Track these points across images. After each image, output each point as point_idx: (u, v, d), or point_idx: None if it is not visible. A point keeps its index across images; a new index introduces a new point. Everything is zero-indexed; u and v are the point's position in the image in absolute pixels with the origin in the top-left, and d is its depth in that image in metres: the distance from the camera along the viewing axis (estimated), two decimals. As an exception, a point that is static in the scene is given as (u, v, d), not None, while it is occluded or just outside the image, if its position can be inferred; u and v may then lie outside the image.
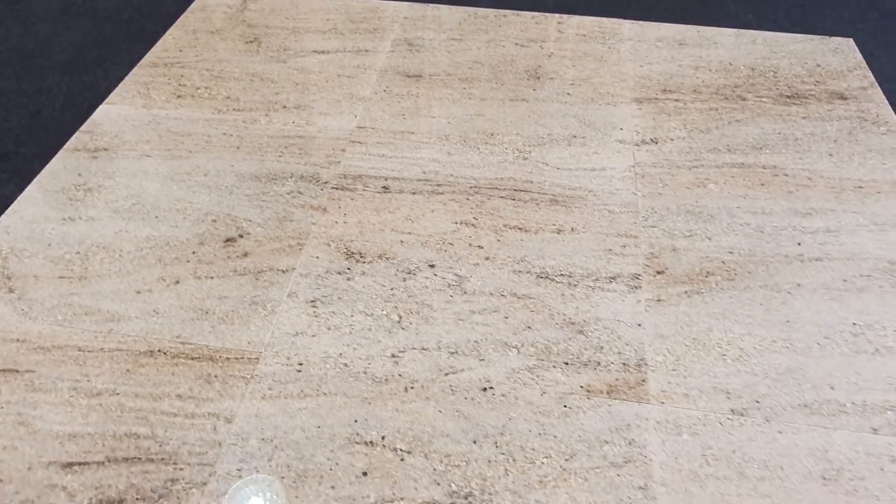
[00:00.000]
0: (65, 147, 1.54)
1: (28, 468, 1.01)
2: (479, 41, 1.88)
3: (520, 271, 1.28)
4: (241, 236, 1.35)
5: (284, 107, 1.65)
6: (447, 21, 1.96)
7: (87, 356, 1.14)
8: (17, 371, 1.12)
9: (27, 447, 1.03)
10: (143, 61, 1.80)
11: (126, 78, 1.74)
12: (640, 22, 1.95)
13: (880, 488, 0.99)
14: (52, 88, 1.74)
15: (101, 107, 1.65)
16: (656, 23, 1.95)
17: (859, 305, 1.23)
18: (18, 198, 1.42)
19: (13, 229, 1.35)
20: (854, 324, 1.20)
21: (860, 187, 1.45)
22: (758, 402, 1.09)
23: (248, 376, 1.12)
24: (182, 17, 1.97)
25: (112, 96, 1.68)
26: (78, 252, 1.31)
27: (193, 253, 1.31)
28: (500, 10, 2.01)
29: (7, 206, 1.41)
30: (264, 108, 1.65)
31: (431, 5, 2.02)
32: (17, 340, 1.16)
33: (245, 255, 1.31)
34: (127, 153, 1.52)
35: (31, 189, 1.44)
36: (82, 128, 1.59)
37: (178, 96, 1.68)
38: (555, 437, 1.05)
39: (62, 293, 1.23)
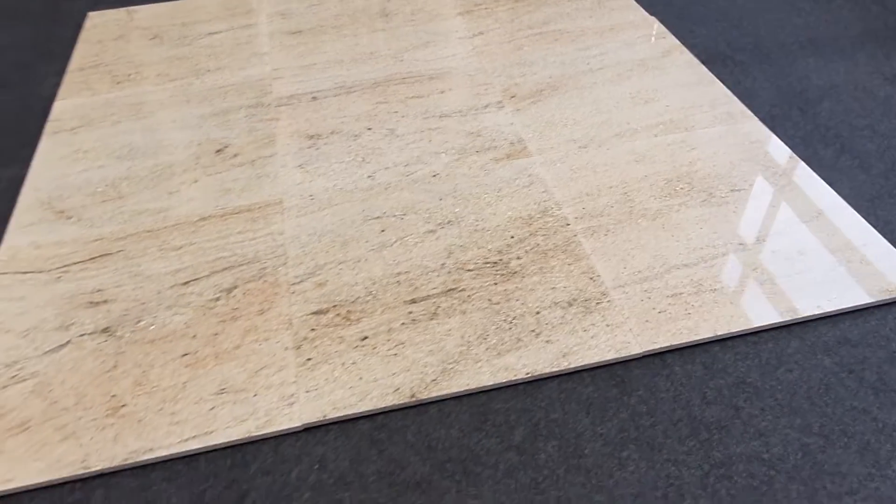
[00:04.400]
0: (45, 132, 1.90)
1: (158, 292, 1.44)
2: (333, 2, 2.47)
3: (427, 117, 1.90)
4: (226, 147, 1.83)
5: (208, 71, 2.13)
6: (302, -5, 2.53)
7: (158, 233, 1.58)
8: (111, 253, 1.53)
9: (148, 283, 1.46)
10: (69, 69, 2.17)
11: (62, 83, 2.11)
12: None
13: (664, 157, 1.73)
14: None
15: (55, 104, 2.02)
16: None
17: (629, 84, 2.00)
18: (29, 172, 1.77)
19: (42, 183, 1.72)
20: (630, 93, 1.96)
21: (611, 29, 2.25)
22: (592, 139, 1.80)
23: (280, 211, 1.62)
24: (82, 35, 2.35)
25: (60, 95, 2.05)
26: (108, 185, 1.71)
27: (196, 163, 1.77)
28: (338, -18, 2.61)
29: (23, 178, 1.76)
30: (192, 75, 2.11)
31: (284, -12, 2.58)
32: (97, 240, 1.57)
33: (235, 155, 1.80)
34: (100, 124, 1.92)
35: (36, 162, 1.79)
36: (50, 119, 1.96)
37: (118, 83, 2.09)
38: (486, 184, 1.68)
39: (112, 208, 1.64)
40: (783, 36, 2.21)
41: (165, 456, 1.17)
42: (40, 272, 1.50)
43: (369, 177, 1.72)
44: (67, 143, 1.86)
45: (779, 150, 1.75)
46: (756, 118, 1.86)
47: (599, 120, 1.87)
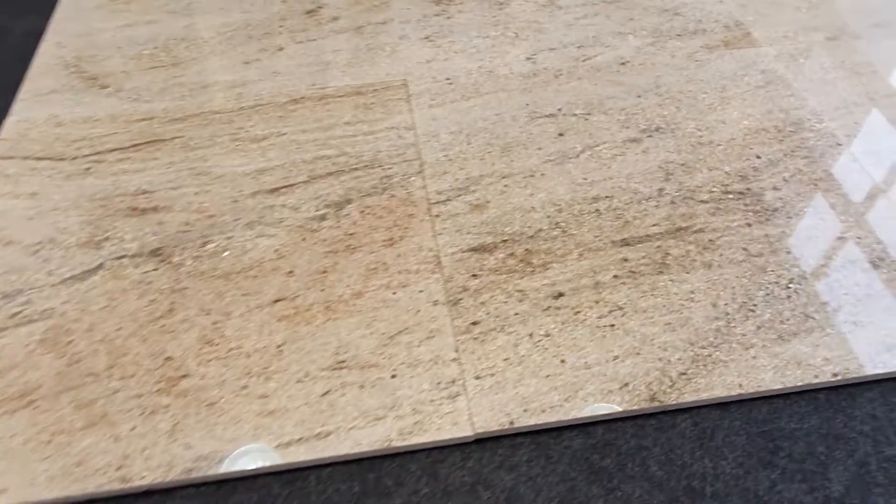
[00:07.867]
0: (73, -24, 1.40)
1: (234, 200, 0.96)
2: None
3: (598, -14, 1.36)
4: (320, 7, 1.31)
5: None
6: None
7: (230, 115, 1.09)
8: (163, 140, 1.05)
9: (218, 186, 0.98)
10: None
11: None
12: None
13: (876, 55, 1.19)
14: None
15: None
16: None
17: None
18: (50, 23, 1.28)
19: (67, 39, 1.22)
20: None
21: None
22: (841, 29, 1.26)
23: (405, 97, 1.12)
24: None
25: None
26: (158, 46, 1.22)
27: (280, 26, 1.26)
28: None
29: (42, 31, 1.26)
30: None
31: None
32: (144, 119, 1.08)
33: (334, 18, 1.28)
34: (148, -30, 1.41)
35: (60, 13, 1.30)
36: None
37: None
38: (701, 80, 1.15)
39: (164, 78, 1.15)
40: None
41: (252, 471, 0.71)
42: (61, 159, 1.02)
43: (528, 59, 1.19)
44: (102, -10, 1.36)
45: None
46: None
47: (842, 4, 1.32)
